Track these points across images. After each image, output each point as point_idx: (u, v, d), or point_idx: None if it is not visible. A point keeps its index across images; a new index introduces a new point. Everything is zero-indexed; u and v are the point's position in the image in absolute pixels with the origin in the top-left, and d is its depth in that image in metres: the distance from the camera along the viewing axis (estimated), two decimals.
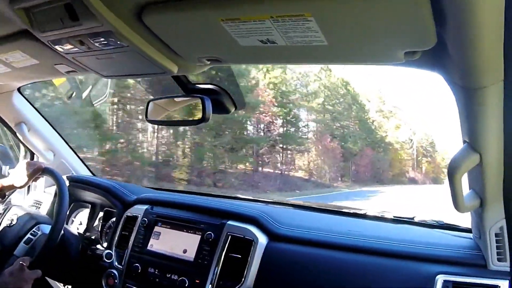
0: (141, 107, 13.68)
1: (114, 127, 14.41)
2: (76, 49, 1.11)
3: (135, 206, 1.78)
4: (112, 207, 1.88)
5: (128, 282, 1.62)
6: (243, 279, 1.41)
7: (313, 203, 2.23)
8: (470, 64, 0.77)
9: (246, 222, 1.52)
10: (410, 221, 1.63)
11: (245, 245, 1.46)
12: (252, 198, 2.16)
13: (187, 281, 1.48)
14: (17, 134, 2.05)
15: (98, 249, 1.79)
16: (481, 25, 0.66)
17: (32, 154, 2.20)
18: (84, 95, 2.57)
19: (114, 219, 1.86)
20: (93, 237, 1.90)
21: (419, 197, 16.70)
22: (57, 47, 1.12)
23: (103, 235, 1.90)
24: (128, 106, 14.62)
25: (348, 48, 0.92)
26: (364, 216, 1.75)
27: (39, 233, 1.72)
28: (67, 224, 1.95)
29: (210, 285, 1.45)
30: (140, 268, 1.60)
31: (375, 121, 28.38)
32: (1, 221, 1.84)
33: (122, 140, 14.33)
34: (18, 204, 2.03)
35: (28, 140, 2.06)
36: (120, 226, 1.76)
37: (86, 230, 1.98)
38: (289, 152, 21.60)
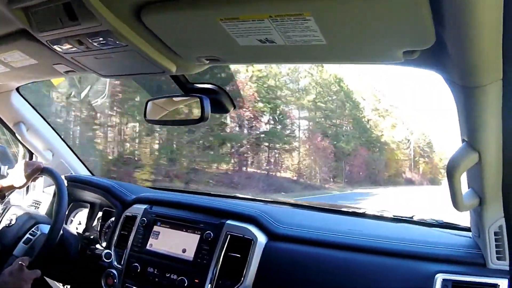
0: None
1: (72, 123, 12.87)
2: (75, 48, 1.11)
3: (134, 206, 1.78)
4: (111, 206, 1.88)
5: (127, 282, 1.62)
6: (242, 279, 1.41)
7: (312, 203, 2.23)
8: (469, 63, 0.77)
9: (245, 222, 1.52)
10: (409, 220, 1.64)
11: (244, 244, 1.46)
12: (251, 197, 2.16)
13: (186, 281, 1.48)
14: (16, 134, 2.04)
15: (97, 248, 1.79)
16: (480, 24, 0.66)
17: (31, 154, 2.19)
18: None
19: (113, 218, 1.86)
20: (92, 237, 1.90)
21: (416, 198, 16.10)
22: (55, 47, 1.12)
23: (102, 235, 1.89)
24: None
25: (347, 48, 0.92)
26: (363, 215, 1.75)
27: (38, 233, 1.72)
28: (66, 224, 1.95)
29: (209, 285, 1.45)
30: (139, 267, 1.60)
31: (371, 120, 27.47)
32: (0, 221, 1.84)
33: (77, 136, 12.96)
34: (17, 204, 2.03)
35: (27, 140, 2.06)
36: (119, 226, 1.76)
37: (85, 230, 1.98)
38: (275, 151, 20.37)
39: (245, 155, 18.33)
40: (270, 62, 1.35)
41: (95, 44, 1.06)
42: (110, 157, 13.54)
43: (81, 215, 2.06)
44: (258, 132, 19.34)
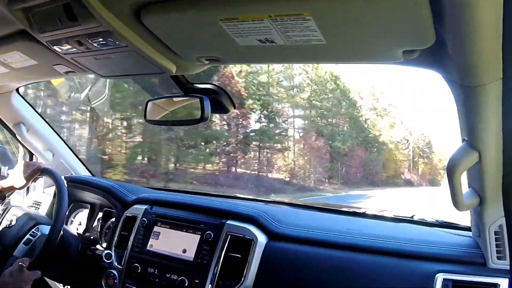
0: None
1: None
2: (75, 49, 1.11)
3: (134, 206, 1.78)
4: (111, 207, 1.88)
5: (127, 282, 1.62)
6: (242, 279, 1.41)
7: (313, 203, 2.23)
8: (469, 62, 0.77)
9: (245, 222, 1.52)
10: (409, 220, 1.64)
11: (244, 244, 1.46)
12: (252, 197, 2.16)
13: (186, 281, 1.48)
14: (16, 134, 2.04)
15: (97, 249, 1.79)
16: (480, 24, 0.67)
17: (31, 155, 2.19)
18: None
19: (113, 219, 1.86)
20: (92, 237, 1.90)
21: (414, 200, 15.72)
22: (55, 47, 1.12)
23: (102, 235, 1.90)
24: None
25: (346, 47, 0.92)
26: (363, 215, 1.75)
27: (39, 233, 1.72)
28: (66, 224, 1.95)
29: (209, 285, 1.45)
30: (139, 268, 1.60)
31: (368, 119, 26.94)
32: (1, 221, 1.85)
33: None
34: (18, 205, 2.04)
35: (27, 141, 2.06)
36: (119, 226, 1.76)
37: (85, 231, 1.98)
38: (267, 150, 19.45)
39: (231, 154, 17.64)
40: (270, 62, 1.35)
41: (95, 44, 1.06)
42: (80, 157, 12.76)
43: (81, 216, 2.06)
44: (247, 131, 18.68)
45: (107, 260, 1.67)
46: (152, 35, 1.00)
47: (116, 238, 1.75)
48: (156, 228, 1.66)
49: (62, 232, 1.63)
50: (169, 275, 1.53)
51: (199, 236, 1.55)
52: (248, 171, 17.87)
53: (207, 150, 16.70)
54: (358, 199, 16.95)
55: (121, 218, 1.78)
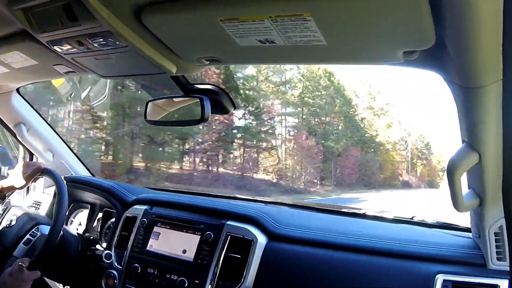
0: None
1: None
2: (75, 49, 1.11)
3: (134, 207, 1.78)
4: (111, 207, 1.88)
5: (127, 283, 1.62)
6: (242, 279, 1.41)
7: (313, 203, 2.23)
8: (469, 64, 0.77)
9: (245, 222, 1.52)
10: (409, 221, 1.64)
11: (244, 245, 1.47)
12: (252, 198, 2.16)
13: (186, 281, 1.48)
14: (16, 134, 2.04)
15: (97, 249, 1.79)
16: (480, 25, 0.67)
17: (31, 155, 2.19)
18: None
19: (113, 219, 1.86)
20: (92, 238, 1.90)
21: (413, 202, 15.17)
22: (56, 47, 1.12)
23: (102, 236, 1.90)
24: None
25: (347, 48, 0.92)
26: (363, 216, 1.75)
27: (38, 233, 1.72)
28: (66, 224, 1.95)
29: (209, 285, 1.45)
30: (139, 268, 1.60)
31: (365, 118, 25.86)
32: (1, 221, 1.84)
33: None
34: (18, 205, 2.04)
35: (27, 141, 2.06)
36: (119, 227, 1.76)
37: (85, 231, 1.98)
38: (252, 150, 18.16)
39: (208, 152, 16.34)
40: (270, 62, 1.35)
41: (95, 44, 1.06)
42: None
43: (81, 216, 2.06)
44: (229, 128, 17.16)
45: (107, 260, 1.67)
46: (152, 36, 1.00)
47: (116, 239, 1.75)
48: (156, 229, 1.66)
49: (62, 232, 1.63)
50: (169, 276, 1.53)
51: (199, 237, 1.55)
52: (231, 171, 16.91)
53: (182, 147, 15.62)
54: (349, 203, 14.65)
55: (121, 218, 1.78)
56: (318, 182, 20.27)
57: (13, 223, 1.77)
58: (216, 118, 15.66)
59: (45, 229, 1.72)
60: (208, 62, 1.13)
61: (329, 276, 1.34)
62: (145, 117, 1.51)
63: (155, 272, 1.57)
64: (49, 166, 1.76)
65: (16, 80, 1.77)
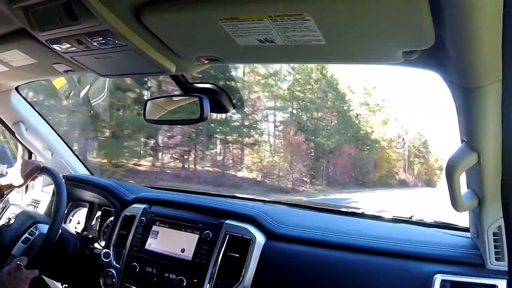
0: None
1: None
2: (74, 48, 1.11)
3: (133, 205, 1.78)
4: (110, 206, 1.88)
5: (126, 281, 1.62)
6: (241, 278, 1.41)
7: (312, 203, 2.23)
8: (469, 64, 0.77)
9: (244, 221, 1.52)
10: (408, 220, 1.64)
11: (243, 244, 1.47)
12: (251, 197, 2.16)
13: (185, 280, 1.48)
14: (15, 133, 2.04)
15: (96, 248, 1.79)
16: (480, 25, 0.67)
17: (30, 153, 2.19)
18: None
19: (112, 218, 1.86)
20: (91, 236, 1.90)
21: (409, 203, 14.38)
22: (55, 46, 1.12)
23: (101, 234, 1.89)
24: None
25: (346, 48, 0.92)
26: (362, 215, 1.75)
27: (37, 232, 1.71)
28: (65, 223, 1.95)
29: (208, 284, 1.45)
30: (138, 267, 1.60)
31: (359, 114, 24.46)
32: None
33: None
34: (16, 203, 2.03)
35: (26, 139, 2.06)
36: (118, 225, 1.76)
37: (84, 229, 1.98)
38: (232, 145, 16.86)
39: (183, 148, 14.86)
40: (270, 62, 1.35)
41: (95, 43, 1.06)
42: None
43: (80, 215, 2.06)
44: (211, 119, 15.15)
45: (105, 259, 1.67)
46: (151, 35, 1.00)
47: (114, 237, 1.75)
48: (154, 228, 1.66)
49: (60, 231, 1.62)
50: (167, 275, 1.53)
51: (197, 236, 1.55)
52: (210, 169, 15.67)
53: (151, 142, 14.29)
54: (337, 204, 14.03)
55: (120, 217, 1.78)
56: (308, 181, 18.96)
57: (12, 221, 1.76)
58: None
59: (44, 228, 1.71)
60: (207, 62, 1.13)
61: (327, 275, 1.34)
62: (144, 116, 1.51)
63: (154, 271, 1.57)
64: (47, 165, 1.76)
65: (15, 79, 1.77)
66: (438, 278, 1.20)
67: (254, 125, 17.67)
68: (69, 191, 1.70)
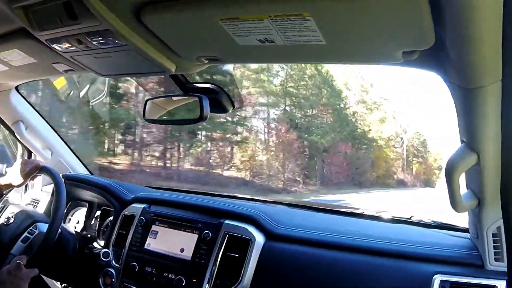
0: None
1: None
2: (74, 47, 1.11)
3: (133, 205, 1.78)
4: (109, 206, 1.88)
5: (125, 281, 1.62)
6: (240, 278, 1.41)
7: (311, 203, 2.23)
8: (469, 64, 0.77)
9: (243, 221, 1.52)
10: (407, 221, 1.64)
11: (242, 244, 1.46)
12: (250, 197, 2.16)
13: (184, 280, 1.48)
14: (15, 132, 2.04)
15: (95, 247, 1.79)
16: (480, 25, 0.67)
17: (30, 153, 2.19)
18: None
19: (111, 218, 1.86)
20: (90, 236, 1.90)
21: (407, 204, 13.82)
22: (55, 45, 1.12)
23: (100, 234, 1.89)
24: None
25: (346, 48, 0.92)
26: (361, 216, 1.75)
27: (36, 231, 1.71)
28: (64, 222, 1.95)
29: (207, 284, 1.45)
30: (137, 267, 1.60)
31: (356, 112, 23.31)
32: None
33: None
34: (16, 203, 2.03)
35: (26, 139, 2.06)
36: (117, 225, 1.76)
37: (83, 229, 1.98)
38: (218, 142, 16.00)
39: (163, 146, 14.08)
40: (270, 62, 1.35)
41: (95, 43, 1.06)
42: None
43: (79, 214, 2.06)
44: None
45: (104, 258, 1.67)
46: (152, 34, 1.00)
47: (114, 237, 1.75)
48: (154, 227, 1.66)
49: (60, 230, 1.62)
50: (166, 274, 1.53)
51: (197, 236, 1.55)
52: (194, 167, 14.90)
53: (129, 139, 13.50)
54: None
55: (119, 216, 1.78)
56: (301, 180, 18.04)
57: (11, 221, 1.76)
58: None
59: (43, 227, 1.71)
60: (207, 61, 1.13)
61: (327, 276, 1.34)
62: (144, 115, 1.51)
63: (153, 271, 1.57)
64: (47, 164, 1.76)
65: (15, 78, 1.77)
66: (437, 279, 1.20)
67: (242, 122, 16.95)
68: (68, 190, 1.70)
